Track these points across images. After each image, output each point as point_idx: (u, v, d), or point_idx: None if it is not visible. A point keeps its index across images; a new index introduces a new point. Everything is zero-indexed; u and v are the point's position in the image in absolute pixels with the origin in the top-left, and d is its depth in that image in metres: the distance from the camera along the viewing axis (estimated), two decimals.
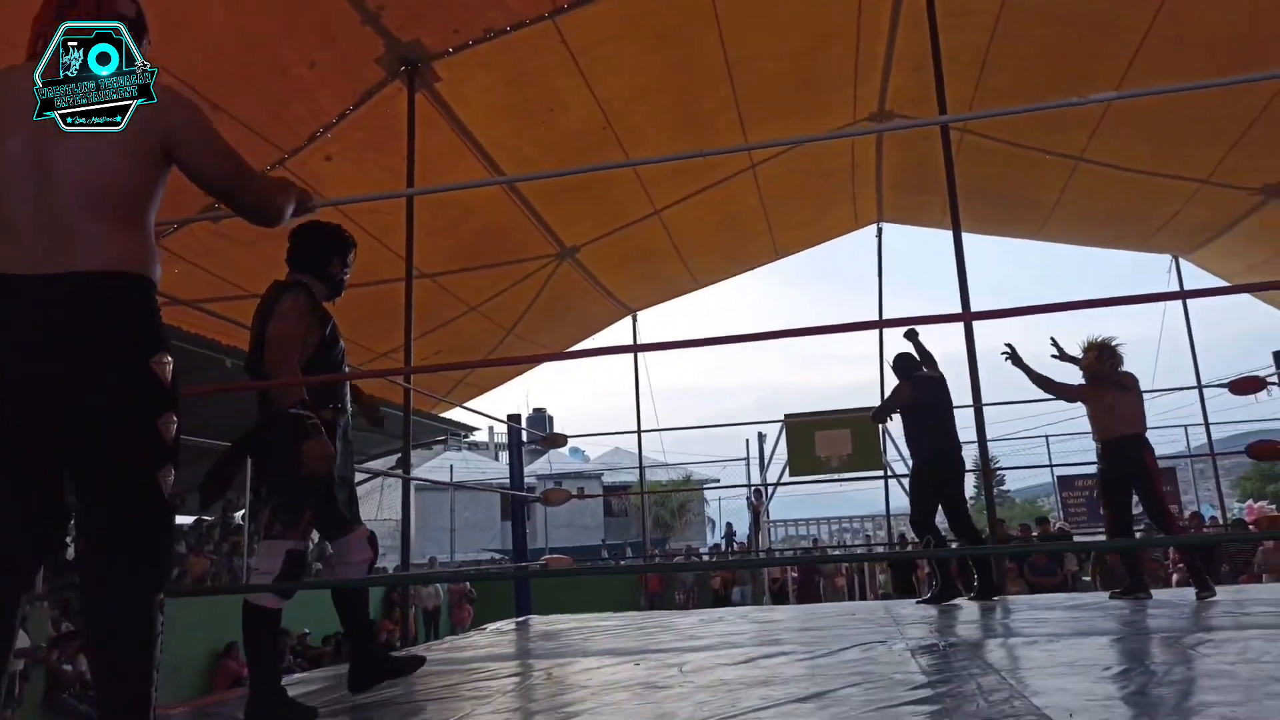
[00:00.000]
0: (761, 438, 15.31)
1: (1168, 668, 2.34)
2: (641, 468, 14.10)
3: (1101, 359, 4.72)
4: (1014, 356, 4.73)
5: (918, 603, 4.88)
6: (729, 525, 14.59)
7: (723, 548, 14.16)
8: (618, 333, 13.03)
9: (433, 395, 11.31)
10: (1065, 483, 11.74)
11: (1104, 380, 4.65)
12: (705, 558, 14.72)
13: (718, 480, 19.47)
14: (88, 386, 1.51)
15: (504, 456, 28.15)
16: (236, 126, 6.35)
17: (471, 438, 15.63)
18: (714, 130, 8.39)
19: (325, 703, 2.68)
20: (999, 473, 32.44)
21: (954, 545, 5.14)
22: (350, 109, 6.87)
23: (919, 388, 5.06)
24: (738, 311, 72.83)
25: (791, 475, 12.21)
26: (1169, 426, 11.96)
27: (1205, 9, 6.57)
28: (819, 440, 11.30)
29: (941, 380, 5.11)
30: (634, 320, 12.54)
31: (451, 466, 16.75)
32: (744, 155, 8.76)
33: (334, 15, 5.97)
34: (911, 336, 5.27)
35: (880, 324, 11.40)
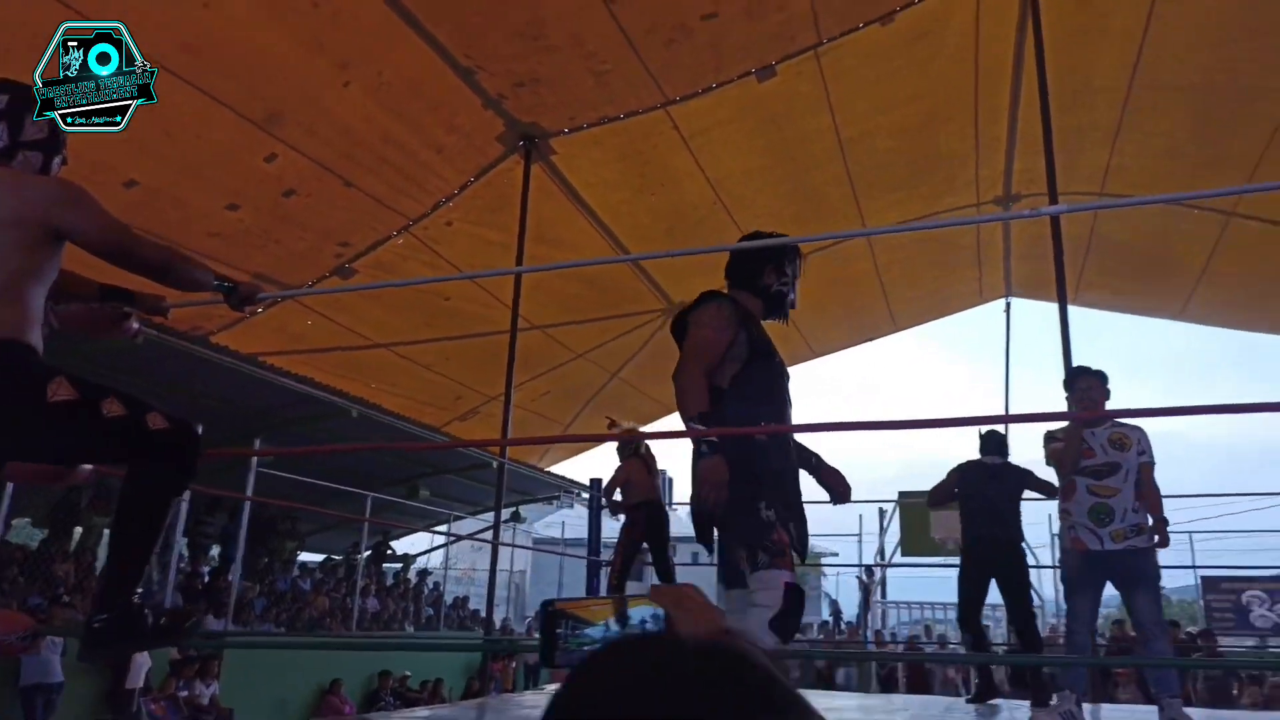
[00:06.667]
0: (881, 513, 14.82)
1: None
2: None
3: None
4: None
5: (966, 700, 4.74)
6: (835, 603, 14.00)
7: (830, 626, 13.67)
8: None
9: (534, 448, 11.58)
10: (1210, 585, 10.66)
11: None
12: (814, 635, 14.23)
13: (836, 555, 18.81)
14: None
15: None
16: (366, 200, 6.94)
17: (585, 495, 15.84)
18: (827, 202, 8.39)
19: None
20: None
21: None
22: (471, 180, 7.36)
23: (961, 473, 4.88)
24: (865, 375, 70.03)
25: (904, 555, 11.71)
26: None
27: None
28: (934, 520, 10.81)
29: (994, 467, 4.84)
30: None
31: (564, 523, 17.01)
32: (857, 222, 8.70)
33: (459, 103, 6.45)
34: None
35: (1006, 419, 10.94)
